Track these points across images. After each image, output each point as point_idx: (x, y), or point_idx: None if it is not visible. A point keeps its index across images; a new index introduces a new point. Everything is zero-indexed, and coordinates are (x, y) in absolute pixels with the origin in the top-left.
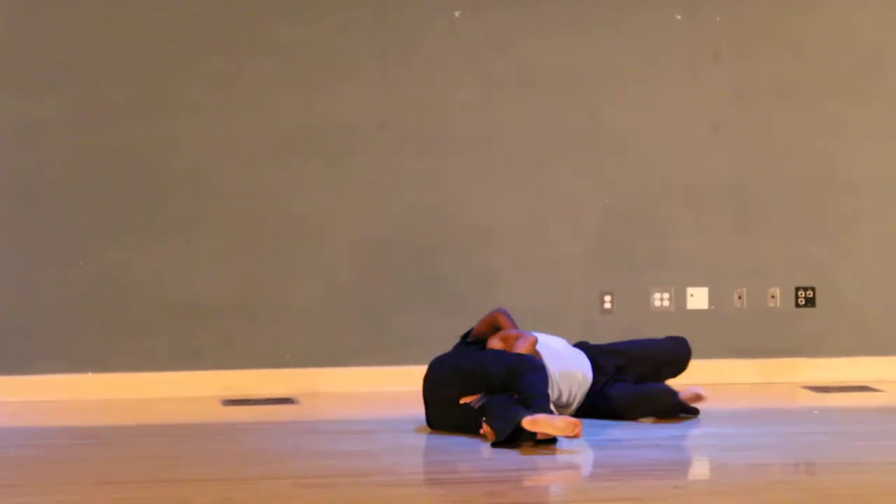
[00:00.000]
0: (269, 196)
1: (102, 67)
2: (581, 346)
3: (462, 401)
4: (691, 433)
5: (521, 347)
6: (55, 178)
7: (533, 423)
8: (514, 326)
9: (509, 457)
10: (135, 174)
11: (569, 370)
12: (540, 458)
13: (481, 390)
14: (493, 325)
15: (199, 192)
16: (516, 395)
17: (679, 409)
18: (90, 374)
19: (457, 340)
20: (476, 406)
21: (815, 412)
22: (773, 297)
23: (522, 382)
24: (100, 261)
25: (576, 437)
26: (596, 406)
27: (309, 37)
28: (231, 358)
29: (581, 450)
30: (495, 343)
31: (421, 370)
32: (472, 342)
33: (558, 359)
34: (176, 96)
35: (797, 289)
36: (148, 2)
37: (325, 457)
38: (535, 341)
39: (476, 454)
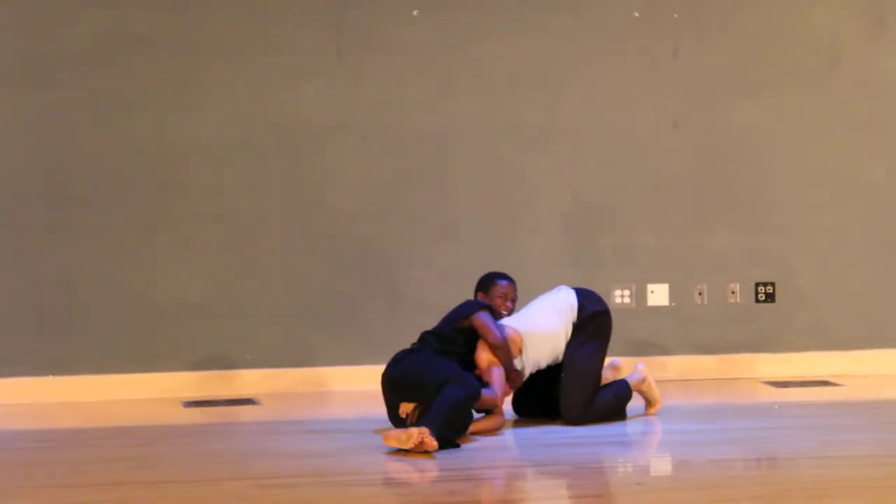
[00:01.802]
0: (228, 196)
1: (60, 66)
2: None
3: (401, 408)
4: (652, 429)
5: (493, 380)
6: (11, 179)
7: (385, 437)
8: (493, 340)
9: (471, 456)
10: (94, 174)
11: (540, 356)
12: (502, 457)
13: (418, 398)
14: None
15: (159, 192)
16: None
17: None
18: (51, 376)
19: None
20: (408, 423)
21: (776, 407)
22: (733, 292)
23: (437, 395)
24: (59, 262)
25: (416, 447)
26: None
27: (268, 37)
28: (192, 359)
29: (540, 447)
30: (482, 357)
31: (381, 369)
32: (460, 329)
33: (538, 346)
34: (136, 95)
35: (757, 284)
36: (108, 1)
37: (287, 457)
38: (505, 394)
39: (437, 454)
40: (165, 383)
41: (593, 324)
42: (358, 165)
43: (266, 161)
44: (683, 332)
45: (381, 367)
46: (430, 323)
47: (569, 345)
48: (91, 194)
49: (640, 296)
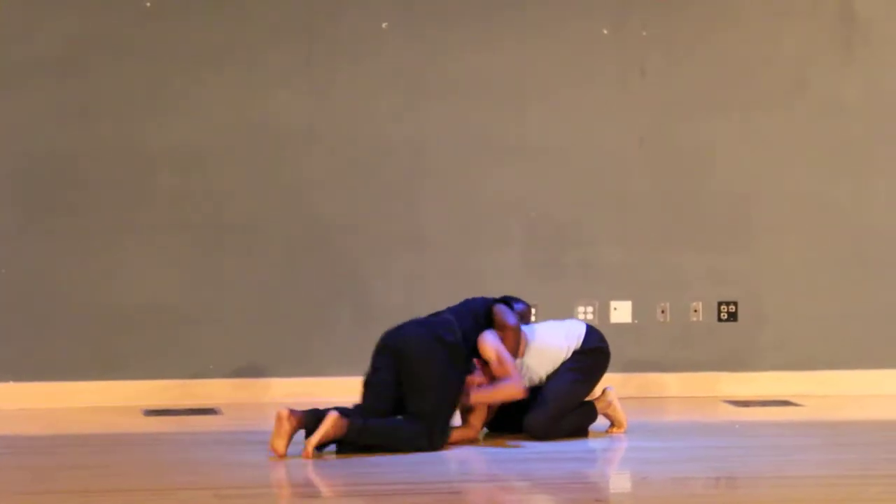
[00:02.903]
0: (195, 203)
1: (28, 72)
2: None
3: None
4: (613, 446)
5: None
6: None
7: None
8: (509, 322)
9: (431, 470)
10: (61, 179)
11: (539, 369)
12: (462, 472)
13: (408, 383)
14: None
15: (124, 197)
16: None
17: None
18: (11, 383)
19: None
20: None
21: (737, 426)
22: (695, 311)
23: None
24: (20, 267)
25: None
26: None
27: (238, 46)
28: (153, 367)
29: (501, 461)
30: (488, 345)
31: (345, 381)
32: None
33: (543, 362)
34: (104, 101)
35: (720, 303)
36: (73, 5)
37: (246, 468)
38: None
39: (399, 466)
40: (126, 391)
41: (591, 356)
42: (325, 175)
43: (234, 169)
44: (646, 350)
45: (345, 379)
46: None
47: (562, 364)
48: (57, 199)
49: (602, 312)
